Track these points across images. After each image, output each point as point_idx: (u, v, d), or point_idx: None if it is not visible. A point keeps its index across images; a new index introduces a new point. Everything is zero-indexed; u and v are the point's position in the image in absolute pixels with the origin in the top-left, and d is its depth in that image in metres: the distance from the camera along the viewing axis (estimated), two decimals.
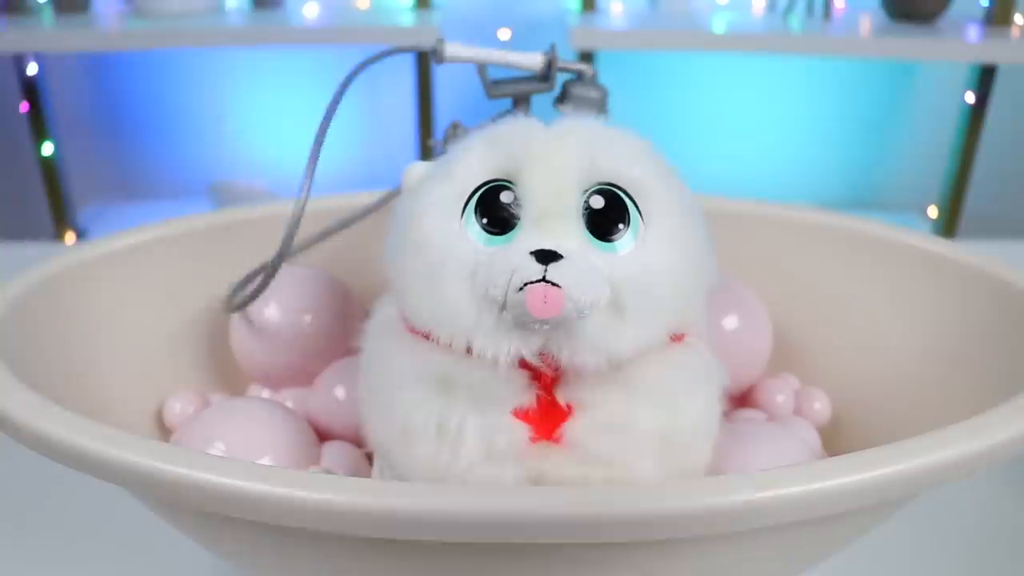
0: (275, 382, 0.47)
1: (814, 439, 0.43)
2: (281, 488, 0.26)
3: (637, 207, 0.31)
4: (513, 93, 0.41)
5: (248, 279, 0.45)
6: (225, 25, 1.38)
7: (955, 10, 1.45)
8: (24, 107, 1.50)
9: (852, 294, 0.47)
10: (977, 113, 1.44)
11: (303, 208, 0.39)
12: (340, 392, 0.44)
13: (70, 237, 1.56)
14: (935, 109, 1.62)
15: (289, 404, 0.45)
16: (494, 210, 0.31)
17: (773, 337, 0.47)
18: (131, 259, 0.44)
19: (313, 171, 0.39)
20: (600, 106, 0.43)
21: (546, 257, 0.28)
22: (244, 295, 0.42)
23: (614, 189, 0.31)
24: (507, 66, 0.40)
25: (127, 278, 0.44)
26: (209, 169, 1.67)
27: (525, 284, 0.28)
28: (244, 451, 0.38)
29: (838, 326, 0.47)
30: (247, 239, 0.49)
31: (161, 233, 0.46)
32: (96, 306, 0.42)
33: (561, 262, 0.28)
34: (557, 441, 0.31)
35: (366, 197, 0.52)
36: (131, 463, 0.27)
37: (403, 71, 1.52)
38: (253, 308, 0.46)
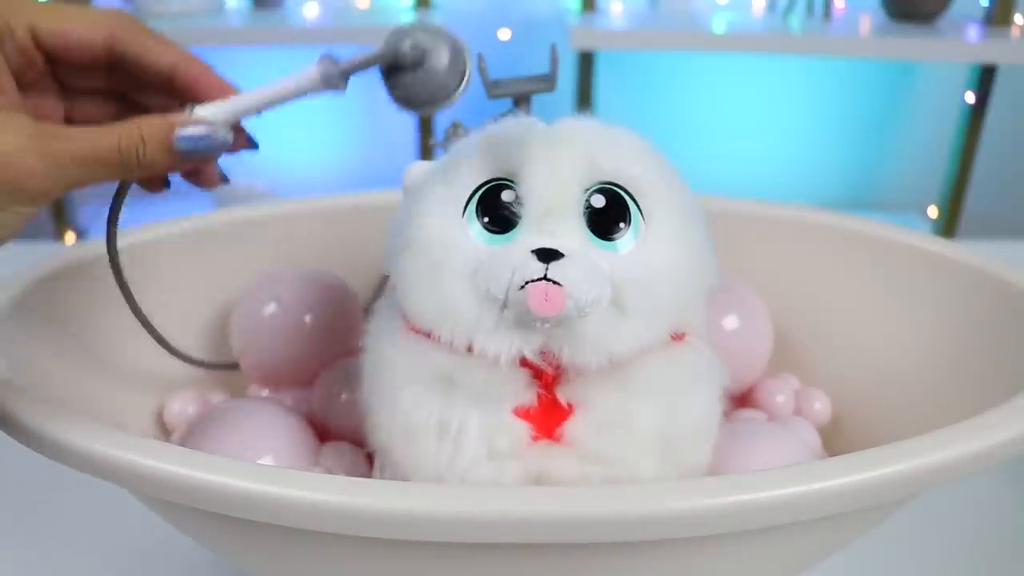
0: (275, 382, 0.47)
1: (814, 439, 0.43)
2: (281, 488, 0.26)
3: (638, 206, 0.31)
4: (514, 93, 0.41)
5: None
6: (225, 25, 1.38)
7: (955, 10, 1.45)
8: None
9: (852, 294, 0.47)
10: (977, 113, 1.44)
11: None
12: (340, 392, 0.44)
13: (70, 237, 1.56)
14: (935, 109, 1.61)
15: (289, 403, 0.45)
16: (495, 209, 0.31)
17: (773, 337, 0.47)
18: (131, 259, 0.44)
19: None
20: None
21: (547, 256, 0.28)
22: None
23: (615, 188, 0.31)
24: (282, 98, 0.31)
25: (127, 278, 0.44)
26: None
27: (526, 282, 0.28)
28: (244, 451, 0.38)
29: (838, 326, 0.47)
30: (247, 239, 0.49)
31: (161, 233, 0.46)
32: (96, 306, 0.42)
33: (562, 260, 0.28)
34: (558, 440, 0.31)
35: (365, 198, 0.52)
36: (131, 463, 0.27)
37: None
38: (254, 308, 0.46)
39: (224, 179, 0.34)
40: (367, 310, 0.49)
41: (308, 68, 0.30)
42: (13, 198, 0.27)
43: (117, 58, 0.31)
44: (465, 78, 0.31)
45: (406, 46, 0.30)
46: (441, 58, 0.30)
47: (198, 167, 0.33)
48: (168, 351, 0.42)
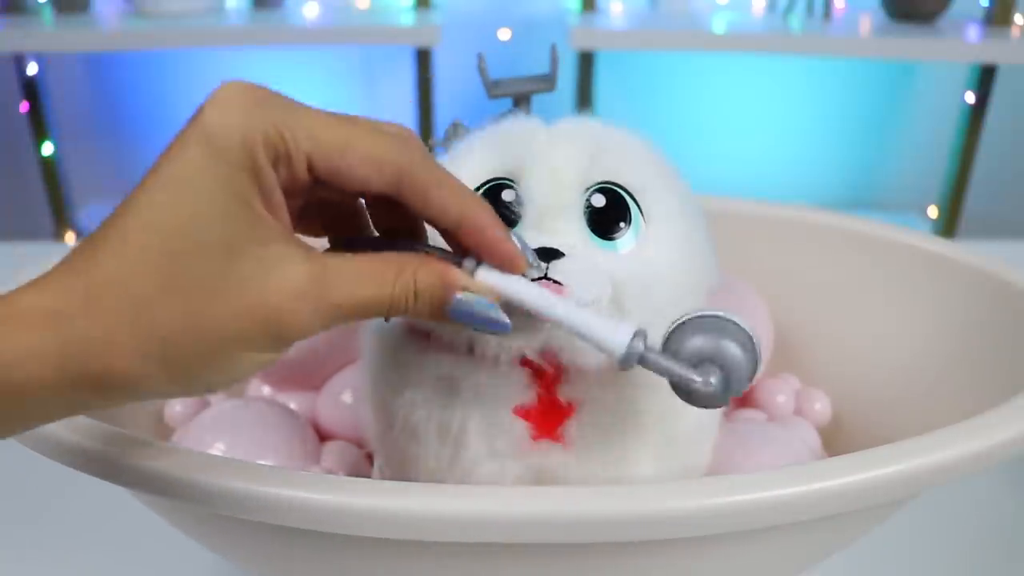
0: (277, 380, 0.47)
1: (814, 439, 0.43)
2: (281, 488, 0.26)
3: (638, 206, 0.31)
4: (514, 93, 0.41)
5: None
6: (225, 25, 1.38)
7: (955, 10, 1.45)
8: (24, 107, 1.50)
9: (852, 294, 0.47)
10: (977, 113, 1.44)
11: None
12: (347, 397, 0.44)
13: (70, 237, 1.56)
14: (935, 109, 1.61)
15: (293, 406, 0.45)
16: (496, 208, 0.30)
17: (773, 337, 0.47)
18: None
19: None
20: None
21: (548, 255, 0.29)
22: None
23: (615, 188, 0.31)
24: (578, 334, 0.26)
25: None
26: None
27: None
28: (244, 451, 0.38)
29: (838, 326, 0.47)
30: None
31: None
32: None
33: (563, 260, 0.28)
34: (558, 439, 0.31)
35: None
36: (132, 463, 0.27)
37: (403, 71, 1.52)
38: None
39: None
40: None
41: (621, 327, 0.25)
42: (272, 345, 0.24)
43: (395, 198, 0.26)
44: (759, 362, 0.26)
45: (710, 384, 0.26)
46: (737, 361, 0.26)
47: None
48: None
